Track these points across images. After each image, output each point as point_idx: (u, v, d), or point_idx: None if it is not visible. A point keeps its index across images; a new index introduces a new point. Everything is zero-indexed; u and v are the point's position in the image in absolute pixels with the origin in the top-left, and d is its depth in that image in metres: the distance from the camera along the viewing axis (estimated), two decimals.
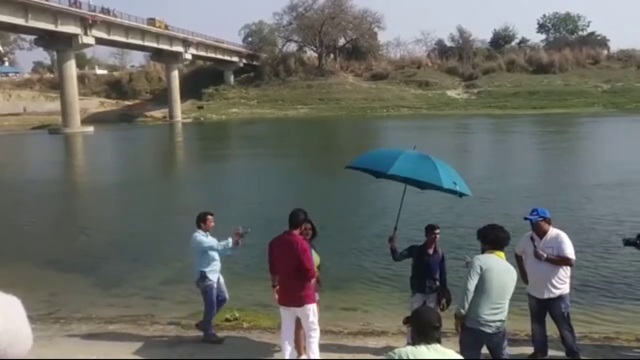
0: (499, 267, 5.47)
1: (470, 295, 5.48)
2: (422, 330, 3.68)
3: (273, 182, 25.71)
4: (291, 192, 22.08)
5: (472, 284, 5.48)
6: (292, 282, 6.69)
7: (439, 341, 3.66)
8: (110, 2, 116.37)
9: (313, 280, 6.90)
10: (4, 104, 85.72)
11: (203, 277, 8.01)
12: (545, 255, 6.61)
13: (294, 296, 6.73)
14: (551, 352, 7.14)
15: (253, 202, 20.53)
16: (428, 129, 53.31)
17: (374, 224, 16.23)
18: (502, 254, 5.56)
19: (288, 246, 6.66)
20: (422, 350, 3.56)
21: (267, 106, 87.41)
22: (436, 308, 7.14)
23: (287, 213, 6.89)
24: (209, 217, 8.06)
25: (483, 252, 5.63)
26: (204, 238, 7.96)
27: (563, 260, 6.68)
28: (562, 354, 7.05)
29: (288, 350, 7.00)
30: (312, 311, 6.83)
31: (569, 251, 6.69)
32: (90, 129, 65.70)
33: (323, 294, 7.95)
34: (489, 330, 5.51)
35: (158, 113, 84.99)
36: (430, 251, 7.46)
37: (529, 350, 7.25)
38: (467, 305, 5.53)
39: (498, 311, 5.50)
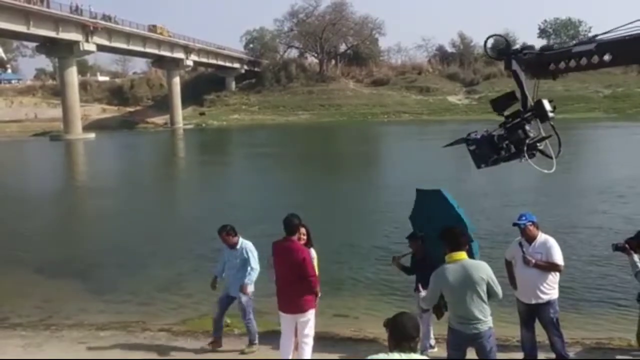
0: (454, 276, 5.42)
1: (428, 305, 6.04)
2: (398, 338, 3.64)
3: (271, 188, 25.70)
4: (287, 196, 22.04)
5: (430, 299, 5.85)
6: (292, 288, 6.67)
7: (414, 350, 3.61)
8: (111, 9, 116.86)
9: (314, 283, 6.90)
10: (6, 110, 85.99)
11: None
12: (533, 261, 6.59)
13: (294, 303, 6.71)
14: (541, 357, 7.09)
15: (249, 208, 20.54)
16: (427, 134, 53.31)
17: (368, 230, 16.28)
18: (460, 255, 5.50)
19: (288, 254, 6.66)
20: (395, 357, 3.52)
21: (268, 112, 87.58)
22: (431, 310, 7.18)
23: (281, 218, 6.86)
24: (222, 232, 7.98)
25: (444, 254, 5.59)
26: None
27: (552, 266, 6.65)
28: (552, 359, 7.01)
29: (287, 356, 6.98)
30: (312, 317, 6.84)
31: (558, 257, 6.67)
32: (91, 135, 65.82)
33: None
34: (468, 331, 5.49)
35: (159, 119, 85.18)
36: (419, 257, 7.56)
37: (519, 355, 7.20)
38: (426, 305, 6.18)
39: (474, 313, 5.45)
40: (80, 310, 10.47)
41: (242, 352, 8.08)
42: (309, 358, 6.94)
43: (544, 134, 4.76)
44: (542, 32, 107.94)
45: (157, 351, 8.19)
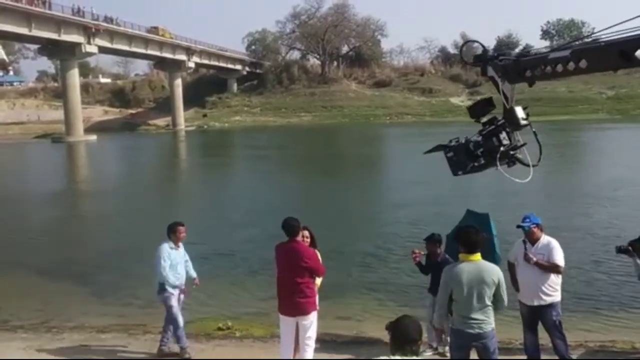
0: (467, 274, 5.42)
1: (442, 309, 5.72)
2: (399, 341, 3.61)
3: (272, 191, 25.71)
4: (288, 200, 22.04)
5: (442, 299, 5.67)
6: (295, 290, 6.61)
7: (416, 354, 3.58)
8: (113, 10, 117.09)
9: (318, 281, 6.87)
10: (8, 112, 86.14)
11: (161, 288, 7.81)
12: (534, 259, 6.56)
13: (297, 305, 6.66)
14: None
15: (249, 211, 20.53)
16: (429, 135, 53.25)
17: (369, 232, 16.25)
18: (475, 256, 5.49)
19: (293, 255, 6.60)
20: (397, 359, 3.50)
21: (270, 114, 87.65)
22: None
23: (278, 221, 6.81)
24: (180, 227, 7.86)
25: (459, 253, 5.58)
26: (165, 252, 7.71)
27: (552, 267, 6.62)
28: None
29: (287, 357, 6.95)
30: (315, 318, 6.80)
31: (559, 258, 6.65)
32: (93, 137, 65.93)
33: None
34: (471, 331, 5.47)
35: (161, 121, 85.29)
36: (436, 259, 7.64)
37: (521, 358, 7.16)
38: (440, 319, 5.88)
39: (478, 314, 5.45)
40: (81, 313, 10.44)
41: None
42: (311, 359, 6.90)
43: (520, 142, 4.69)
44: (545, 34, 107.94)
45: (159, 354, 8.13)
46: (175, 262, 7.77)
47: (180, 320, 7.80)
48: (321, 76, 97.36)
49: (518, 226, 6.84)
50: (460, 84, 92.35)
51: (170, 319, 7.80)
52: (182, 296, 8.00)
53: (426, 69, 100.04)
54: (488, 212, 8.13)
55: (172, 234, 7.80)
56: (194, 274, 8.19)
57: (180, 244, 7.90)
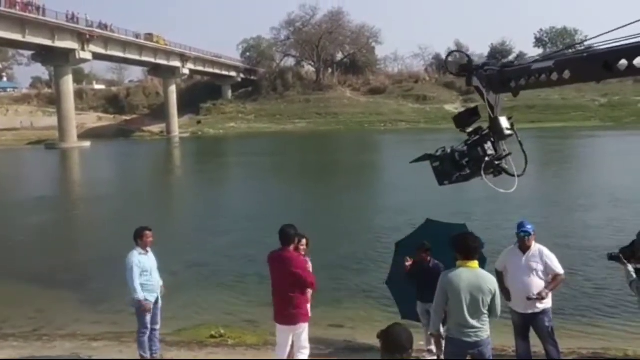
0: (465, 281, 5.39)
1: (438, 315, 5.65)
2: (390, 349, 3.59)
3: (265, 199, 25.66)
4: (282, 207, 22.00)
5: (438, 305, 5.59)
6: (287, 300, 6.61)
7: None
8: (108, 17, 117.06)
9: (309, 295, 6.85)
10: (2, 119, 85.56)
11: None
12: (547, 291, 6.59)
13: (289, 314, 6.65)
14: None
15: (244, 218, 20.50)
16: (424, 142, 53.32)
17: (361, 239, 16.24)
18: (473, 263, 5.47)
19: (284, 263, 6.58)
20: None
21: (264, 121, 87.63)
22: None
23: (275, 230, 6.78)
24: (147, 232, 7.73)
25: (456, 260, 5.56)
26: (134, 259, 7.54)
27: (557, 280, 6.70)
28: None
29: None
30: (306, 329, 6.80)
31: (559, 267, 6.71)
32: (86, 144, 65.74)
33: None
34: (468, 339, 5.44)
35: (155, 128, 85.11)
36: (427, 265, 7.57)
37: None
38: (437, 325, 5.78)
39: (475, 322, 5.42)
40: (73, 321, 10.39)
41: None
42: None
43: (506, 151, 4.69)
44: (538, 41, 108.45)
45: None
46: (148, 268, 7.63)
47: (148, 330, 7.72)
48: (316, 83, 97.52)
49: (519, 232, 6.79)
50: (454, 91, 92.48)
51: (141, 326, 7.72)
52: (160, 302, 7.89)
53: (420, 76, 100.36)
54: (464, 223, 8.12)
55: (139, 239, 7.66)
56: (160, 280, 7.99)
57: (149, 249, 7.76)
